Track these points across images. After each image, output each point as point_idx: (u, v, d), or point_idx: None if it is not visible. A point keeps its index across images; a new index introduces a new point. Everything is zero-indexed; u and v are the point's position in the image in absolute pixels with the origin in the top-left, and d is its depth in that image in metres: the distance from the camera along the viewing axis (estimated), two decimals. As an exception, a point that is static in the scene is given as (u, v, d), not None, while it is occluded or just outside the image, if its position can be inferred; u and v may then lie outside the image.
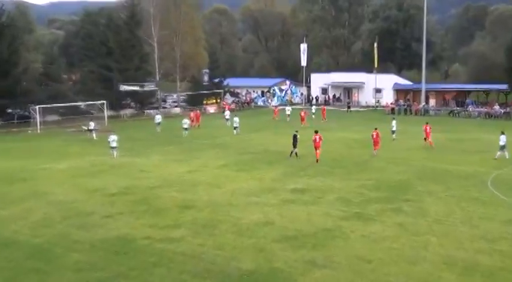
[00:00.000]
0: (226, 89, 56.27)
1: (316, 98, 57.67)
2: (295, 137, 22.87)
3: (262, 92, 59.03)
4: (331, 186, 17.37)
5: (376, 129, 23.86)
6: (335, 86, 57.13)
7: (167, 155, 24.58)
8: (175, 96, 54.81)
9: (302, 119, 35.99)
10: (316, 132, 22.73)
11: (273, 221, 13.46)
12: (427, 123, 26.62)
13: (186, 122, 31.60)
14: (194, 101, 51.07)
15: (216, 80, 54.63)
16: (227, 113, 37.67)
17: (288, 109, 40.22)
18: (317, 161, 21.62)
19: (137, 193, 16.86)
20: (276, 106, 48.24)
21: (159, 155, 24.65)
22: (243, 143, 28.41)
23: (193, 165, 21.93)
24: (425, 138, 25.65)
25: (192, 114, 37.43)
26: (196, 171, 20.47)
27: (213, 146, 27.61)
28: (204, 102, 51.92)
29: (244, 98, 57.99)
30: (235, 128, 31.55)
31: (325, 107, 40.58)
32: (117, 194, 16.77)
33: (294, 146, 22.69)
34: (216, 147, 27.08)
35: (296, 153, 22.55)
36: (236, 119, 32.08)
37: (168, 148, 27.04)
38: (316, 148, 22.34)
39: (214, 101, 53.19)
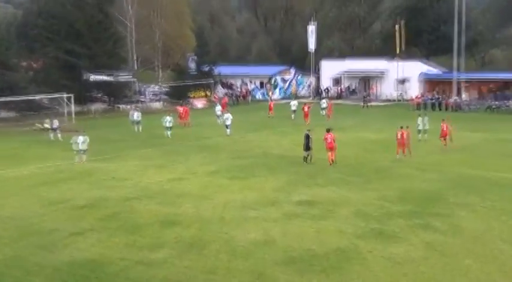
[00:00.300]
0: (217, 79, 56.41)
1: (326, 90, 57.93)
2: (307, 137, 22.99)
3: (262, 83, 59.29)
4: (345, 198, 17.58)
5: (402, 128, 24.11)
6: (350, 75, 57.52)
7: (146, 160, 24.87)
8: (155, 88, 55.12)
9: (305, 116, 36.32)
10: (328, 131, 23.07)
11: (275, 240, 13.58)
12: (443, 119, 27.04)
13: (168, 120, 31.62)
14: (178, 94, 51.28)
15: (205, 68, 54.82)
16: (218, 109, 37.83)
17: (294, 104, 40.10)
18: (332, 163, 22.27)
19: (110, 206, 17.07)
20: (271, 99, 48.40)
21: (137, 160, 24.95)
22: (238, 145, 28.61)
23: (177, 171, 22.14)
24: (443, 138, 26.16)
25: (181, 109, 37.54)
26: (181, 180, 20.65)
27: (201, 148, 27.83)
28: (191, 95, 52.16)
29: (239, 90, 58.22)
30: (227, 126, 31.65)
31: (332, 102, 40.66)
32: (86, 207, 16.95)
33: (307, 148, 22.92)
34: (206, 150, 27.36)
35: (310, 158, 22.80)
36: (227, 115, 32.05)
37: (147, 151, 27.33)
38: (329, 149, 22.72)
39: (203, 93, 53.55)
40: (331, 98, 52.51)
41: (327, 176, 20.87)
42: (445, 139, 26.29)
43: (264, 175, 21.10)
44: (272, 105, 41.57)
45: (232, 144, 29.07)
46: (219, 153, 26.07)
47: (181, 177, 21.07)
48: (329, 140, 22.64)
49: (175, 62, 52.26)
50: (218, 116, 36.80)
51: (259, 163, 23.57)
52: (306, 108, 36.96)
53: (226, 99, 48.30)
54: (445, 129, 26.41)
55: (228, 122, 31.70)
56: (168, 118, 31.67)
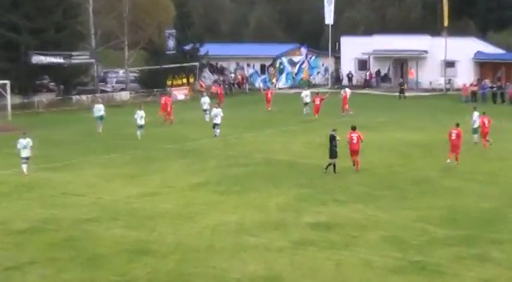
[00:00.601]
0: (204, 62, 56.37)
1: (349, 75, 58.01)
2: (333, 139, 23.07)
3: (263, 67, 59.33)
4: (374, 219, 17.55)
5: (458, 125, 24.63)
6: (380, 56, 57.54)
7: (110, 169, 24.84)
8: (121, 73, 54.95)
9: (316, 110, 37.16)
10: (353, 129, 23.41)
11: (281, 276, 13.55)
12: (484, 113, 27.67)
13: (140, 115, 31.85)
14: (152, 81, 51.28)
15: (188, 47, 54.76)
16: (206, 101, 37.96)
17: (306, 95, 40.19)
18: (357, 169, 22.76)
19: (60, 230, 16.96)
20: (267, 88, 48.43)
21: (97, 169, 24.93)
22: (232, 149, 28.72)
23: (151, 184, 22.20)
24: (483, 136, 26.85)
25: (163, 100, 38.01)
26: (156, 195, 20.68)
27: (184, 153, 27.91)
28: (169, 82, 52.15)
29: (232, 76, 58.29)
30: (215, 125, 31.85)
31: (347, 92, 40.80)
32: (28, 232, 16.85)
33: (333, 155, 22.98)
34: (189, 155, 27.41)
35: (334, 167, 22.94)
36: (217, 111, 32.07)
37: (111, 157, 27.36)
38: (353, 153, 23.03)
39: (184, 80, 53.52)
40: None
41: (349, 189, 20.89)
42: (486, 139, 26.84)
43: (266, 189, 21.14)
44: (270, 96, 42.06)
45: (225, 147, 29.13)
46: (206, 160, 26.09)
47: (157, 191, 21.10)
48: (354, 140, 22.91)
49: (148, 38, 51.68)
50: (205, 111, 36.97)
51: (260, 173, 23.66)
52: (317, 101, 37.67)
53: (219, 88, 48.60)
54: (486, 124, 26.91)
55: (218, 120, 31.81)
56: (140, 113, 31.91)
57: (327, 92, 45.54)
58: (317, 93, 39.92)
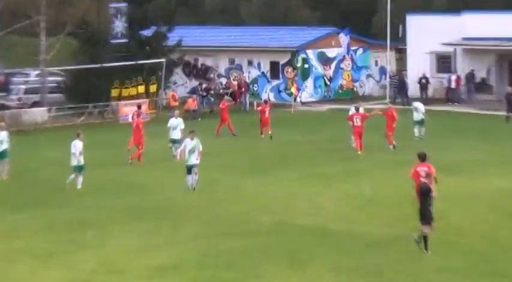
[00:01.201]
0: (175, 58, 57.18)
1: (422, 80, 57.97)
2: (426, 191, 23.20)
3: (275, 67, 59.64)
4: None
5: None
6: (474, 49, 57.62)
7: (12, 240, 24.83)
8: (34, 75, 56.03)
9: (357, 136, 38.39)
10: (422, 159, 24.49)
11: None
12: None
13: (79, 150, 32.43)
14: (86, 90, 51.58)
15: (148, 33, 55.80)
16: (176, 125, 38.36)
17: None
18: (432, 225, 22.78)
19: None
20: (263, 102, 48.75)
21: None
22: (221, 207, 28.88)
23: (80, 267, 22.10)
24: None
25: (133, 121, 39.68)
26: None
27: (138, 213, 28.04)
28: (115, 92, 52.70)
29: (223, 81, 59.12)
30: (191, 168, 32.16)
31: (393, 109, 42.19)
32: None
33: (426, 217, 23.07)
34: (148, 216, 27.52)
35: (426, 241, 23.02)
36: (194, 143, 32.35)
37: (16, 221, 27.52)
38: (419, 195, 23.23)
39: (140, 89, 53.90)
40: (431, 101, 52.77)
41: (427, 279, 20.72)
42: None
43: (279, 276, 21.10)
44: (268, 115, 43.60)
45: (210, 203, 29.29)
46: (178, 225, 26.22)
47: (88, 280, 21.07)
48: (421, 177, 23.76)
49: (80, 17, 52.30)
50: (175, 142, 37.30)
51: (269, 247, 23.72)
52: (358, 121, 38.85)
53: (192, 103, 49.19)
54: None
55: (194, 160, 32.09)
56: (78, 145, 32.68)
57: (386, 108, 45.07)
58: (356, 110, 40.29)
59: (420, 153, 24.58)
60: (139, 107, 43.91)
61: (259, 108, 45.71)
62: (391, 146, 40.05)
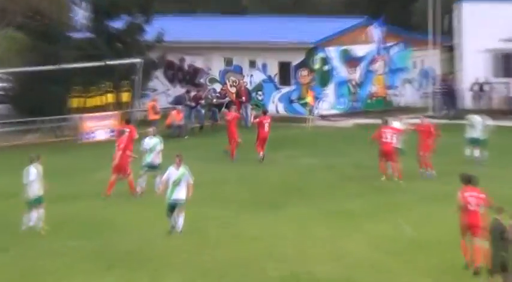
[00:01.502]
0: (155, 57, 55.91)
1: (479, 87, 55.66)
2: (499, 231, 22.37)
3: (285, 69, 56.92)
4: None
5: None
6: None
7: None
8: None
9: (392, 163, 36.72)
10: (468, 182, 23.76)
11: None
12: None
13: (33, 175, 30.30)
14: (38, 99, 49.88)
15: (119, 25, 54.64)
16: (150, 143, 36.15)
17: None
18: (476, 271, 22.94)
19: None
20: (263, 113, 46.92)
21: None
22: (214, 252, 27.01)
23: None
24: None
25: (117, 138, 38.13)
26: None
27: (108, 259, 26.13)
28: (75, 102, 51.24)
29: (214, 91, 56.85)
30: (174, 206, 29.63)
31: (430, 123, 40.05)
32: None
33: (498, 264, 21.69)
34: (120, 263, 25.72)
35: None
36: (181, 172, 29.66)
37: None
38: (472, 233, 23.37)
39: (109, 98, 52.39)
40: (493, 113, 49.35)
41: None
42: None
43: None
44: (266, 126, 42.05)
45: (200, 248, 27.24)
46: (159, 276, 24.32)
47: None
48: (471, 205, 23.16)
49: (29, 6, 50.53)
50: (151, 168, 35.04)
51: None
52: (389, 136, 36.92)
53: (177, 116, 48.29)
54: None
55: (179, 194, 29.10)
56: (33, 172, 30.42)
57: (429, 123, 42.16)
58: (385, 122, 37.76)
59: (464, 176, 23.40)
60: (127, 121, 40.11)
61: (257, 120, 43.10)
62: (427, 172, 37.09)
